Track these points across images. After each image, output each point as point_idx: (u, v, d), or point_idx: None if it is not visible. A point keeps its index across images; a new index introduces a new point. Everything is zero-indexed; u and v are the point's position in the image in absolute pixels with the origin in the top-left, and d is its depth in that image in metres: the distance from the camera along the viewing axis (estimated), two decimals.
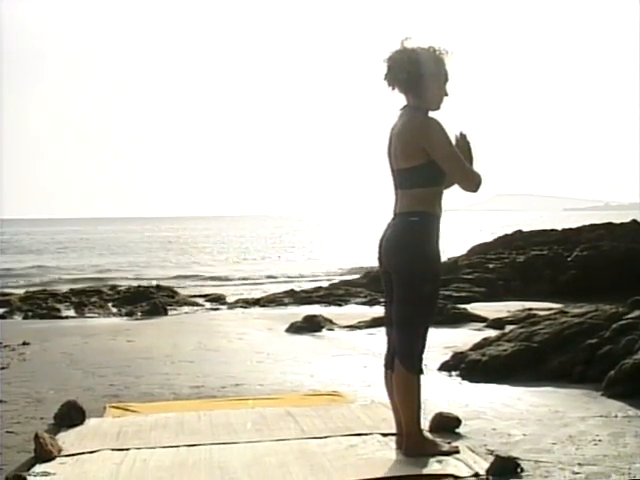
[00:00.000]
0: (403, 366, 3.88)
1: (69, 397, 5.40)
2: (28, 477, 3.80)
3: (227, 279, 26.66)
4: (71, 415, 4.94)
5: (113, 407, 5.41)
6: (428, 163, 3.74)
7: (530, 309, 10.84)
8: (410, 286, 3.79)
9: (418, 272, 3.77)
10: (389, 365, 4.04)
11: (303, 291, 16.82)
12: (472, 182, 3.76)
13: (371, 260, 17.59)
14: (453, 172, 3.73)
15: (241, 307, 14.82)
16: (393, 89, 3.85)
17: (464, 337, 8.41)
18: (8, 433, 4.75)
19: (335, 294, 15.63)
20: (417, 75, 3.71)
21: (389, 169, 3.93)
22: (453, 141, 3.80)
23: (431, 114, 3.82)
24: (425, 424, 4.24)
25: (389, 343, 4.06)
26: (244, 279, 26.33)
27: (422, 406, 4.01)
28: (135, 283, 20.25)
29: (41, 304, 15.34)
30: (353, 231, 68.42)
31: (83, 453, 4.19)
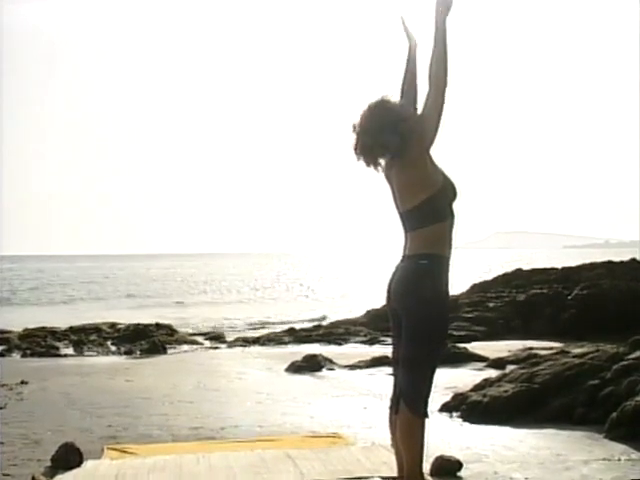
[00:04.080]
0: (408, 409, 3.84)
1: (67, 438, 5.36)
2: None
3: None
4: (68, 457, 4.90)
5: (111, 449, 5.36)
6: (431, 198, 3.74)
7: (531, 348, 10.80)
8: (419, 327, 3.78)
9: (428, 314, 3.76)
10: (394, 407, 4.01)
11: (303, 330, 16.76)
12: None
13: (375, 301, 17.24)
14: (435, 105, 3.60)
15: (241, 346, 14.75)
16: (378, 159, 3.78)
17: (465, 377, 8.37)
18: (4, 476, 4.70)
19: (335, 333, 15.57)
20: (394, 131, 3.67)
21: (397, 214, 3.92)
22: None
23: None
24: (426, 467, 4.19)
25: (395, 385, 4.04)
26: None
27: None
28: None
29: (40, 342, 15.27)
30: (358, 270, 67.27)
31: None
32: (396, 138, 3.68)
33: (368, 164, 3.76)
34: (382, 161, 3.79)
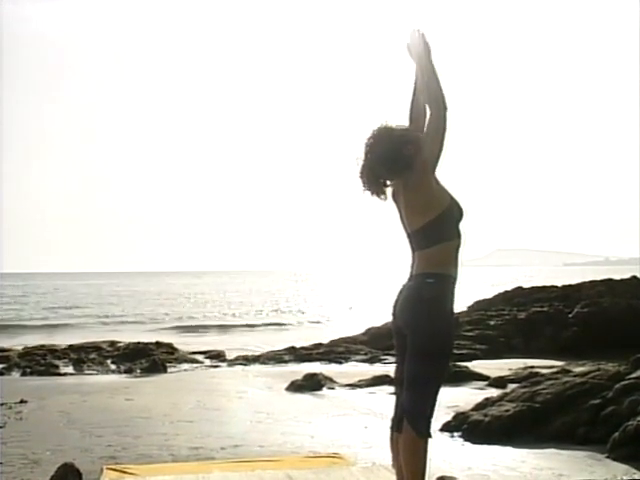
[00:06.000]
0: (412, 428, 3.82)
1: (66, 458, 5.33)
2: None
3: None
4: (68, 478, 4.87)
5: (110, 469, 5.31)
6: (437, 218, 3.75)
7: (532, 367, 10.77)
8: (425, 346, 3.77)
9: (433, 332, 3.76)
10: (396, 427, 3.98)
11: (303, 348, 16.69)
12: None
13: (376, 319, 16.83)
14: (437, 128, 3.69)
15: (241, 364, 14.70)
16: (385, 189, 3.84)
17: (466, 396, 8.33)
18: None
19: (335, 351, 15.52)
20: (399, 155, 3.71)
21: (404, 233, 3.94)
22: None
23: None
24: None
25: (397, 404, 4.02)
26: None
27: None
28: None
29: (40, 360, 15.24)
30: (364, 288, 65.89)
31: None
32: (401, 164, 3.71)
33: (373, 194, 3.79)
34: (389, 190, 3.83)
